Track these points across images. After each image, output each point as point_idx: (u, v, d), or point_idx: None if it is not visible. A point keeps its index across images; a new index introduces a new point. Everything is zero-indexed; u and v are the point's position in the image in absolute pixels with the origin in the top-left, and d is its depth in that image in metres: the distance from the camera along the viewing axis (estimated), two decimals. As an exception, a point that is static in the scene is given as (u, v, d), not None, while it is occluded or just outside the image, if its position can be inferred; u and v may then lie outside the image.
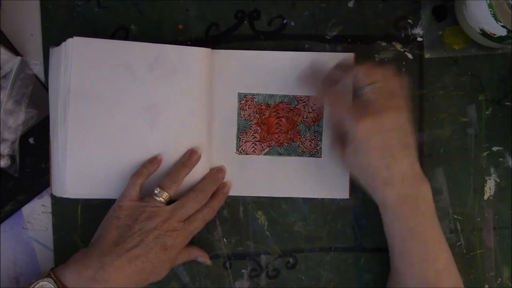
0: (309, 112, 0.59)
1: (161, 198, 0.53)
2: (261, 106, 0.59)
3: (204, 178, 0.57)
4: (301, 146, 0.59)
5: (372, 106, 0.50)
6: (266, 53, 0.58)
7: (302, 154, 0.59)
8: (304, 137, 0.59)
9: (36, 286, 0.49)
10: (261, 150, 0.59)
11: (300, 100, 0.59)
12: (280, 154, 0.59)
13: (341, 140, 0.54)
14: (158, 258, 0.52)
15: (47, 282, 0.50)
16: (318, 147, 0.59)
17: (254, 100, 0.59)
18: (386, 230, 0.53)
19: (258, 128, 0.59)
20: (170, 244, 0.52)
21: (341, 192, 0.58)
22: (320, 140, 0.59)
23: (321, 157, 0.59)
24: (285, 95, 0.58)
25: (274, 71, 0.58)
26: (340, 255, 0.59)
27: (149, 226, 0.51)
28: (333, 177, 0.59)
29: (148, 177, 0.54)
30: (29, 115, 0.58)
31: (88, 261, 0.51)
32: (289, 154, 0.59)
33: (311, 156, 0.59)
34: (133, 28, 0.59)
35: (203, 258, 0.57)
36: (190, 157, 0.55)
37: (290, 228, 0.59)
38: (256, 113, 0.59)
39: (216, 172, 0.57)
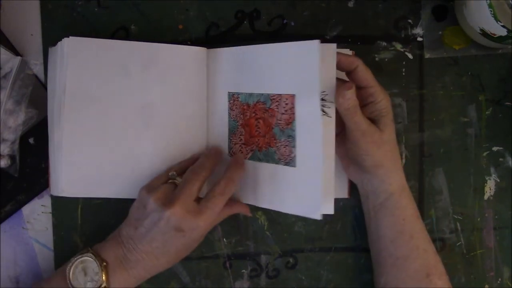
0: (282, 113, 0.52)
1: (175, 181, 0.52)
2: (243, 106, 0.55)
3: (201, 157, 0.54)
4: (277, 152, 0.52)
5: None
6: (247, 48, 0.54)
7: (278, 161, 0.52)
8: (279, 142, 0.52)
9: (77, 261, 0.51)
10: (246, 154, 0.55)
11: (273, 99, 0.52)
12: (260, 160, 0.54)
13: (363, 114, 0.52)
14: (176, 241, 0.50)
15: (87, 258, 0.51)
16: (292, 155, 0.51)
17: (239, 99, 0.55)
18: (396, 218, 0.53)
19: (243, 130, 0.55)
20: (186, 227, 0.50)
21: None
22: (294, 146, 0.51)
23: (295, 166, 0.51)
24: (261, 94, 0.53)
25: (253, 67, 0.53)
26: (340, 255, 0.59)
27: (160, 208, 0.50)
28: (307, 191, 0.50)
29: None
30: (29, 115, 0.58)
31: (120, 241, 0.52)
32: (267, 161, 0.53)
33: (286, 164, 0.52)
34: (133, 28, 0.59)
35: (244, 210, 0.56)
36: (214, 154, 0.55)
37: (290, 228, 0.59)
38: (241, 114, 0.55)
39: (210, 149, 0.56)
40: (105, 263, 0.51)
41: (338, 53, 0.50)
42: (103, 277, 0.50)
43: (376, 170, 0.53)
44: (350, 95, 0.49)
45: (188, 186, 0.51)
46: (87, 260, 0.51)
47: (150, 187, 0.52)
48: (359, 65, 0.51)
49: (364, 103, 0.52)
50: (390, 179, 0.53)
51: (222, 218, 0.55)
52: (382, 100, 0.52)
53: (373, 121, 0.52)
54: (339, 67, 0.51)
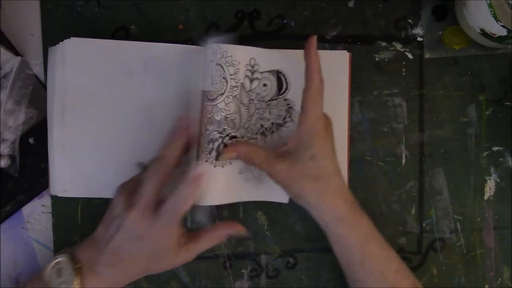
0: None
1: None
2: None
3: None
4: None
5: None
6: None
7: None
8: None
9: (55, 261, 0.50)
10: None
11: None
12: None
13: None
14: (140, 247, 0.49)
15: (63, 259, 0.50)
16: None
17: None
18: (341, 245, 0.52)
19: None
20: (145, 233, 0.48)
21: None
22: None
23: None
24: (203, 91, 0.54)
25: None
26: (340, 255, 0.59)
27: (122, 212, 0.49)
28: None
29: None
30: (29, 115, 0.58)
31: (93, 244, 0.51)
32: None
33: None
34: (133, 28, 0.59)
35: (236, 230, 0.52)
36: (176, 132, 0.51)
37: (290, 228, 0.59)
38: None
39: (177, 123, 0.51)
40: (79, 265, 0.50)
41: (315, 57, 0.50)
42: (76, 280, 0.49)
43: (298, 200, 0.52)
44: (226, 153, 0.51)
45: (144, 188, 0.49)
46: (63, 261, 0.50)
47: (123, 186, 0.51)
48: (311, 88, 0.49)
49: (296, 125, 0.51)
50: (317, 210, 0.51)
51: (200, 250, 0.51)
52: (304, 132, 0.50)
53: (293, 143, 0.51)
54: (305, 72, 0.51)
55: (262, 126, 0.54)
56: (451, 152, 0.59)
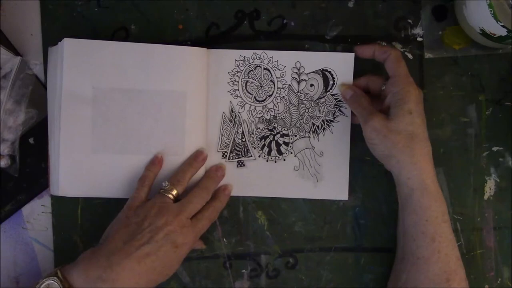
0: None
1: (170, 195, 0.53)
2: None
3: (205, 177, 0.57)
4: None
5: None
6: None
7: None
8: None
9: (42, 286, 0.49)
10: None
11: None
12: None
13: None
14: (169, 256, 0.51)
15: (52, 281, 0.49)
16: None
17: None
18: (418, 217, 0.52)
19: None
20: (180, 242, 0.51)
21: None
22: None
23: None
24: None
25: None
26: (340, 255, 0.59)
27: (159, 222, 0.51)
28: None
29: (155, 178, 0.55)
30: (29, 115, 0.58)
31: (95, 260, 0.49)
32: None
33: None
34: (133, 28, 0.59)
35: (198, 244, 0.58)
36: (196, 158, 0.56)
37: (290, 228, 0.59)
38: None
39: (215, 170, 0.57)
40: None
41: (374, 45, 0.55)
42: None
43: (387, 161, 0.53)
44: (343, 88, 0.57)
45: (191, 206, 0.53)
46: (52, 284, 0.49)
47: (140, 200, 0.53)
48: (390, 55, 0.54)
49: (388, 91, 0.53)
50: (407, 173, 0.51)
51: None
52: (399, 90, 0.52)
53: (388, 110, 0.53)
54: (376, 57, 0.55)
55: (313, 124, 0.58)
56: (451, 152, 0.59)
